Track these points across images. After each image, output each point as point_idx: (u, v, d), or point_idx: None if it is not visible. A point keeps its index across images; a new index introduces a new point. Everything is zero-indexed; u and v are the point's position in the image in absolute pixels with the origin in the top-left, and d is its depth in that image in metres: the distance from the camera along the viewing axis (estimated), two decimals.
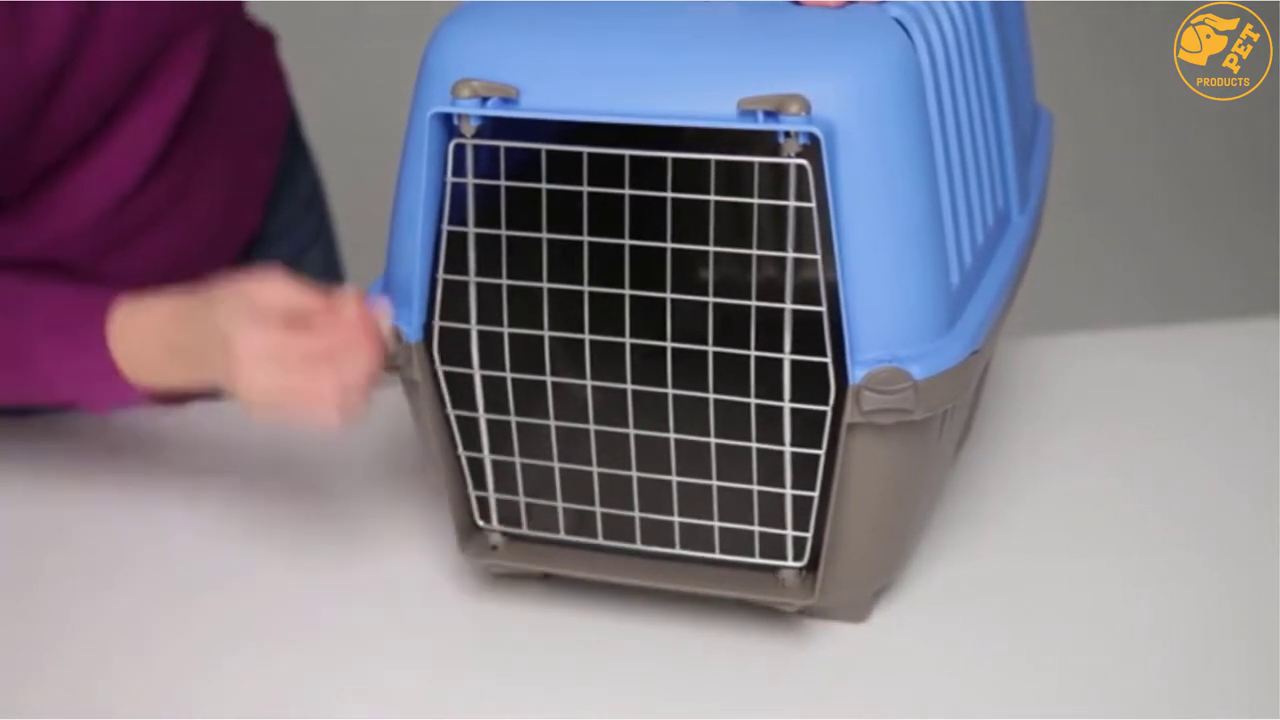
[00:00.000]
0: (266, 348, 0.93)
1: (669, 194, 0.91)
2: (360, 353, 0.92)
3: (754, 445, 0.93)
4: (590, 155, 0.90)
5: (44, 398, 1.07)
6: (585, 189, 0.90)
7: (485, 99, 0.87)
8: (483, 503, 0.98)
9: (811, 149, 0.84)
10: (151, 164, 1.16)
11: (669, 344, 0.92)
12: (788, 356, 0.89)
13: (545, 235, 0.92)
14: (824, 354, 0.87)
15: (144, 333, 1.01)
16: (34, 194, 1.12)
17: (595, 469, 0.96)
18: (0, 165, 1.07)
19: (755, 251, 0.89)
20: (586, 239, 0.93)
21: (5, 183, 1.09)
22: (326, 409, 0.93)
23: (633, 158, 0.89)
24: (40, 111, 1.06)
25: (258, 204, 1.32)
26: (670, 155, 0.88)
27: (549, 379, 0.95)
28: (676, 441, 0.96)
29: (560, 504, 0.98)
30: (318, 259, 1.42)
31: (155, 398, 1.04)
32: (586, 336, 0.95)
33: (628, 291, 0.91)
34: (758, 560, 0.95)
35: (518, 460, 0.97)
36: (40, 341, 1.03)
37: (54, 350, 1.03)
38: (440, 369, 0.94)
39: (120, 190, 1.15)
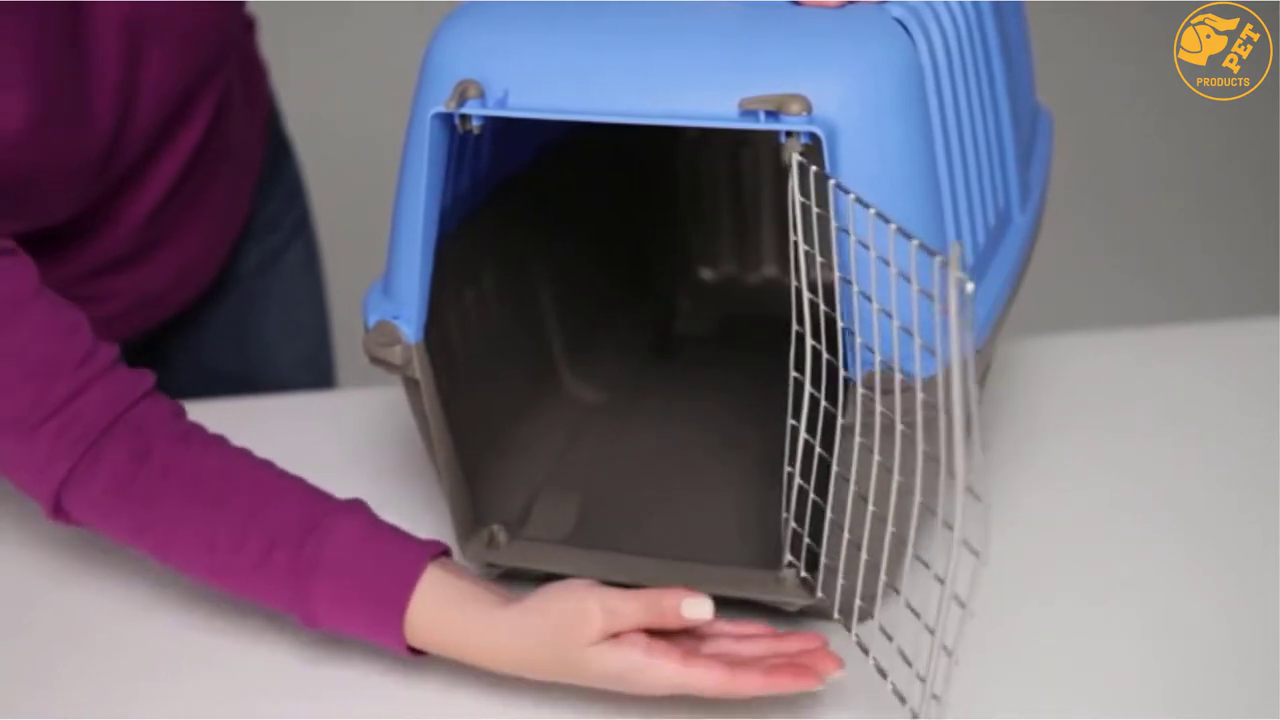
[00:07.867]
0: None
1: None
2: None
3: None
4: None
5: (255, 596, 0.97)
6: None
7: (486, 99, 0.87)
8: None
9: (811, 149, 0.84)
10: (177, 182, 1.17)
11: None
12: (789, 358, 0.89)
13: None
14: (824, 354, 0.87)
15: (452, 634, 0.93)
16: (72, 224, 1.12)
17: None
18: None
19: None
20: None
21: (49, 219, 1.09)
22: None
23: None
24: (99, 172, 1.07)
25: (247, 195, 1.33)
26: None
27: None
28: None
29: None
30: (300, 251, 1.42)
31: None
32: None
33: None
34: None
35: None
36: (321, 571, 0.93)
37: (335, 589, 0.93)
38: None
39: (149, 209, 1.16)
